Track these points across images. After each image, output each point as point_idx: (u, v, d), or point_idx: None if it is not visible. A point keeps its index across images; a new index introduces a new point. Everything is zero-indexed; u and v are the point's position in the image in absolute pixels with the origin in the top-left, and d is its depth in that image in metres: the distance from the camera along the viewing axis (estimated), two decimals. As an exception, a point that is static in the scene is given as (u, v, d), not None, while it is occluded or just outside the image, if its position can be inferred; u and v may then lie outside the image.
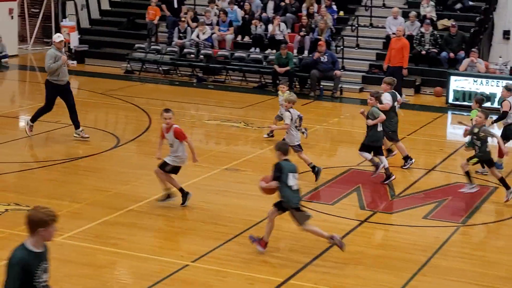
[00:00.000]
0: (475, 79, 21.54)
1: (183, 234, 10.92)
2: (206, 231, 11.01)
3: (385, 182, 13.35)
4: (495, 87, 21.25)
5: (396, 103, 14.44)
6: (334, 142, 17.85)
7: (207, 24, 25.00)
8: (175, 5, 26.21)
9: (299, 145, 13.71)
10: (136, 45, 25.37)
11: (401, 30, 21.97)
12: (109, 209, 11.83)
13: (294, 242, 10.69)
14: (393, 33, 22.38)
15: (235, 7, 25.54)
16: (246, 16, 25.23)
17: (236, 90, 22.67)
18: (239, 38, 25.18)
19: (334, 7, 25.59)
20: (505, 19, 26.10)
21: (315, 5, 25.25)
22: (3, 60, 25.24)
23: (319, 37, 23.71)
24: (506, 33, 26.15)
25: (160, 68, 24.61)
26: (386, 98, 14.34)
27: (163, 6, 26.25)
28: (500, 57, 24.19)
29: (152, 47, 25.21)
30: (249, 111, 19.89)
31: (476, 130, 12.60)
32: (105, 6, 29.17)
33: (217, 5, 25.99)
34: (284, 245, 10.61)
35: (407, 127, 18.19)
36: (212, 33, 24.80)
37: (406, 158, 14.67)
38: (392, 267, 9.89)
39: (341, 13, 25.91)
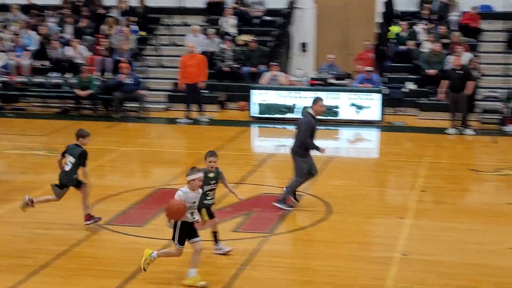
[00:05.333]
0: (277, 91, 22.02)
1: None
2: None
3: None
4: (296, 98, 21.81)
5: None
6: (143, 163, 17.61)
7: (2, 51, 24.12)
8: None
9: None
10: None
11: (194, 47, 21.99)
12: None
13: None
14: (189, 51, 22.12)
15: (30, 31, 24.79)
16: (44, 40, 24.55)
17: (38, 117, 21.98)
18: (37, 63, 24.45)
19: (135, 27, 25.44)
20: (302, 32, 26.97)
21: (115, 26, 25.00)
22: None
23: (121, 58, 23.45)
24: (303, 46, 27.03)
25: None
26: None
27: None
28: (299, 68, 24.89)
29: None
30: (54, 138, 19.30)
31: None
32: None
33: (9, 30, 25.14)
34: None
35: (215, 142, 18.33)
36: (8, 60, 23.95)
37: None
38: (207, 280, 9.80)
39: (142, 33, 25.80)
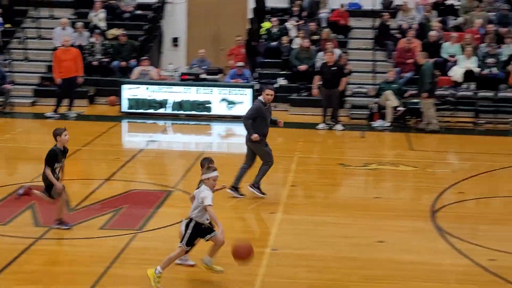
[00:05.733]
0: (148, 86, 21.70)
1: None
2: None
3: None
4: (167, 93, 21.57)
5: None
6: (8, 159, 16.97)
7: None
8: None
9: None
10: None
11: (68, 40, 21.50)
12: None
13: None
14: (63, 45, 21.63)
15: None
16: None
17: None
18: None
19: (0, 19, 24.61)
20: (173, 27, 26.78)
21: (-22, 18, 24.14)
22: None
23: (-15, 51, 22.64)
24: (175, 40, 26.83)
25: None
26: None
27: None
28: (171, 63, 24.65)
29: None
30: None
31: None
32: None
33: None
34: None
35: (84, 138, 17.90)
36: None
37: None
38: (71, 281, 9.49)
39: (8, 25, 25.00)
